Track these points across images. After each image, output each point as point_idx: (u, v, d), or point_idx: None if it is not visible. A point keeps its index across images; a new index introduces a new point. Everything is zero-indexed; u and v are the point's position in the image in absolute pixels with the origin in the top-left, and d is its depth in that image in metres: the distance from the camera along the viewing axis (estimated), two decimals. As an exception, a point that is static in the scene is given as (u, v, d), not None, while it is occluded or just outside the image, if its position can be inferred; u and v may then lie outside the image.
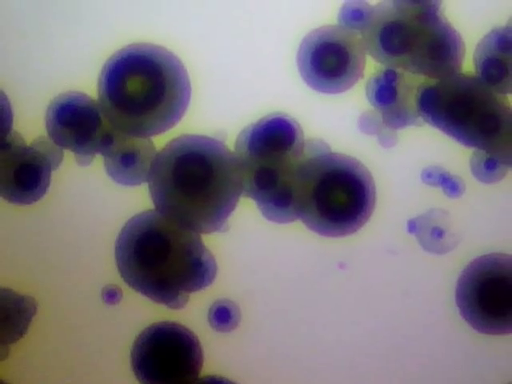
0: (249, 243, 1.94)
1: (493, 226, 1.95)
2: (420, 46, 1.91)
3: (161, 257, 1.91)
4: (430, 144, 1.94)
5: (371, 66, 1.93)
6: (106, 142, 1.92)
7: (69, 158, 1.93)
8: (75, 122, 1.90)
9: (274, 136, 1.91)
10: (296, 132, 1.91)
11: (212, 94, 1.93)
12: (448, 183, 1.94)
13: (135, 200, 1.93)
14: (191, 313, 1.94)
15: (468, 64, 1.92)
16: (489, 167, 1.93)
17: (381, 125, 1.93)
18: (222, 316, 1.94)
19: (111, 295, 1.94)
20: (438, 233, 1.94)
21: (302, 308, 1.95)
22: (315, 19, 1.92)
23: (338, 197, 1.92)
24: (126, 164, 1.92)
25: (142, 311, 1.94)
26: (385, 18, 1.92)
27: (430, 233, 1.94)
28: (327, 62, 1.93)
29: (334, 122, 1.93)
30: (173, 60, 1.91)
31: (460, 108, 1.90)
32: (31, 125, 1.92)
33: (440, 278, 1.95)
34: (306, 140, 1.92)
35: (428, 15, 1.91)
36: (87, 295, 1.94)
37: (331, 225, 1.93)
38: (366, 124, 1.94)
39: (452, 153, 1.94)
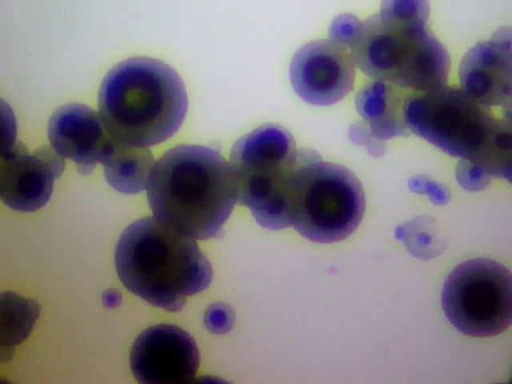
0: (243, 249, 1.94)
1: (477, 232, 1.95)
2: (407, 59, 1.92)
3: (159, 262, 1.92)
4: (417, 154, 1.94)
5: (360, 79, 1.94)
6: (106, 151, 1.93)
7: (70, 167, 1.93)
8: (77, 133, 1.91)
9: (268, 146, 1.92)
10: (288, 142, 1.92)
11: (208, 105, 1.94)
12: (434, 191, 1.95)
13: (134, 207, 1.93)
14: (188, 316, 1.95)
15: (453, 77, 1.92)
16: (473, 176, 1.94)
17: (370, 135, 1.94)
18: (218, 319, 1.95)
19: (111, 299, 1.95)
20: (425, 239, 1.94)
21: (294, 311, 1.95)
22: (307, 34, 1.93)
23: (329, 204, 1.93)
24: (125, 173, 1.93)
25: (141, 314, 1.94)
26: (373, 33, 1.92)
27: (417, 239, 1.95)
28: (318, 74, 1.94)
29: (325, 132, 1.94)
30: (170, 73, 1.92)
31: (446, 119, 1.91)
32: (34, 135, 1.93)
33: (426, 282, 1.95)
34: (298, 150, 1.93)
35: (415, 30, 1.91)
36: (88, 299, 1.94)
37: (322, 231, 1.93)
38: (355, 134, 1.95)
39: (438, 162, 1.94)
